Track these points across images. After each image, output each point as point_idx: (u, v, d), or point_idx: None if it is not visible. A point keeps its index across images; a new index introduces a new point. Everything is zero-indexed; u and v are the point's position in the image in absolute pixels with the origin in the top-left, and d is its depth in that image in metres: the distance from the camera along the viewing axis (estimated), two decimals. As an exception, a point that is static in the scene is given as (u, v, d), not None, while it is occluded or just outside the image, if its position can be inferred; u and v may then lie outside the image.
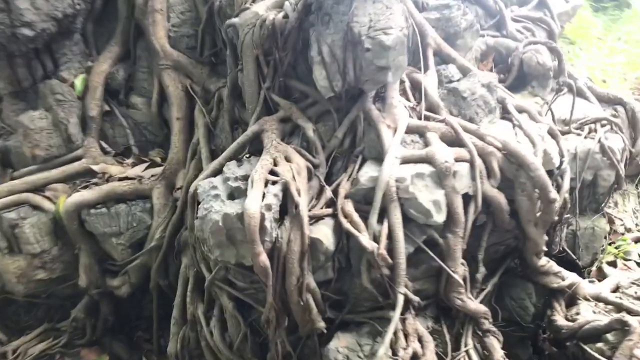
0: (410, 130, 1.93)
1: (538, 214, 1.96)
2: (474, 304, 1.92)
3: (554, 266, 2.14)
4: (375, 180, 1.81)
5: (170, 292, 2.29)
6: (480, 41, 2.49)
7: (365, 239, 1.74)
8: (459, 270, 1.87)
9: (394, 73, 1.81)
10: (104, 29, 2.63)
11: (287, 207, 1.76)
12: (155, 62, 2.41)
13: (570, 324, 2.06)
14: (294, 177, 1.78)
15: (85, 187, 2.31)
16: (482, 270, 2.02)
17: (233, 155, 1.95)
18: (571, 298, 2.17)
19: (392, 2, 1.83)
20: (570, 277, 2.15)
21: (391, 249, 1.77)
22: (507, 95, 2.23)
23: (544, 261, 2.10)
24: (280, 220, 1.75)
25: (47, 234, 2.30)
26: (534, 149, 1.98)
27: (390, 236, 1.77)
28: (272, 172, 1.79)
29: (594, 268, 2.53)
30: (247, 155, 1.94)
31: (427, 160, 1.86)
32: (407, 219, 1.81)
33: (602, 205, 2.53)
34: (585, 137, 2.41)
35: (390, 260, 1.75)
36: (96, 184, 2.32)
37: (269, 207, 1.70)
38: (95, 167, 2.37)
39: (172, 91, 2.36)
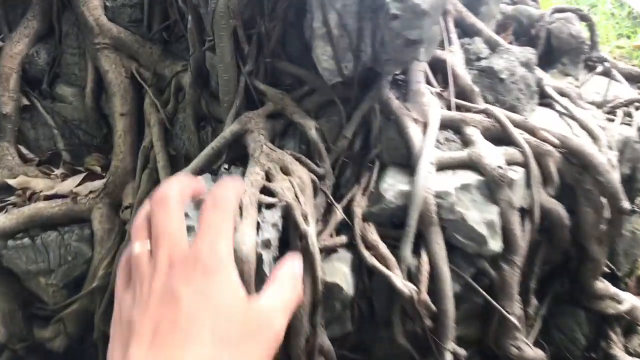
0: (442, 125, 1.45)
1: (602, 228, 1.54)
2: (532, 351, 1.47)
3: (609, 288, 1.72)
4: (407, 196, 1.32)
5: (122, 342, 1.74)
6: (496, 9, 2.04)
7: (399, 280, 1.26)
8: (515, 310, 1.43)
9: (427, 49, 1.32)
10: (16, -1, 2.03)
11: (287, 239, 1.26)
12: (88, 41, 1.82)
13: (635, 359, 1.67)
14: (296, 196, 1.27)
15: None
16: (534, 302, 1.57)
17: (205, 165, 1.42)
18: (629, 325, 1.77)
19: (422, -50, 1.33)
20: (628, 300, 1.74)
21: (433, 291, 1.30)
22: (544, 75, 1.78)
23: (602, 284, 1.68)
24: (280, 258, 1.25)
25: (-51, 273, 1.71)
26: (597, 145, 1.54)
27: (432, 273, 1.30)
28: (266, 191, 1.27)
29: (633, 278, 2.15)
30: (226, 167, 1.41)
31: (471, 165, 1.39)
32: (450, 247, 1.34)
33: (641, 203, 2.14)
34: (621, 124, 2.01)
35: (434, 308, 1.28)
36: (14, 205, 1.73)
37: (266, 244, 1.18)
38: (12, 182, 1.77)
39: (112, 78, 1.78)
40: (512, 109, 1.58)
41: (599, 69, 2.01)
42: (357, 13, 1.29)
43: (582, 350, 1.75)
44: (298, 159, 1.37)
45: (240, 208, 1.19)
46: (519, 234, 1.37)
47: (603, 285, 1.67)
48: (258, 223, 1.19)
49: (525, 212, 1.44)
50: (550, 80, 1.77)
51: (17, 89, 1.87)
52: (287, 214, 1.24)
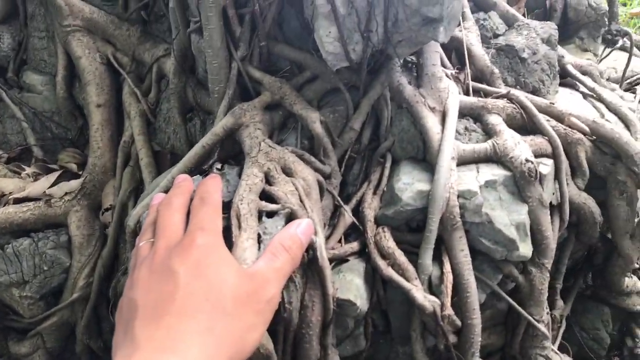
0: (461, 113, 1.29)
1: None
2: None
3: (637, 283, 1.59)
4: (425, 197, 1.17)
5: (106, 356, 1.58)
6: (506, -21, 1.86)
7: (419, 294, 1.12)
8: (544, 316, 1.29)
9: (447, 28, 1.14)
10: (-26, -24, 1.81)
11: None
12: (57, 23, 1.62)
13: (664, 359, 1.55)
14: (301, 200, 1.11)
15: (-36, 215, 1.54)
16: (560, 305, 1.44)
17: (194, 164, 1.24)
18: (657, 321, 1.65)
19: None
20: (657, 295, 1.62)
21: (457, 303, 1.16)
22: (564, 52, 1.62)
23: (630, 280, 1.55)
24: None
25: None
26: (629, 130, 1.40)
27: (455, 283, 1.16)
28: (266, 196, 1.11)
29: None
30: (218, 166, 1.24)
31: (495, 158, 1.23)
32: (474, 253, 1.20)
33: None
34: (640, 102, 1.86)
35: (459, 323, 1.14)
36: (-19, 209, 1.55)
37: (270, 259, 1.03)
38: (-23, 183, 1.59)
39: (86, 64, 1.58)
40: (535, 91, 1.43)
41: (620, 43, 1.86)
42: (367, -13, 1.12)
43: (607, 349, 1.63)
44: (301, 157, 1.20)
45: (238, 218, 1.03)
46: (550, 234, 1.22)
47: (631, 280, 1.55)
48: (259, 235, 1.03)
49: (553, 209, 1.29)
50: (571, 57, 1.62)
51: (-22, 78, 1.67)
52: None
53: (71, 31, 1.60)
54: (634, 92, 1.83)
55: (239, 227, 1.00)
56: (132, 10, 1.62)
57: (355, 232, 1.26)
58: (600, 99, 1.47)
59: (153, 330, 0.69)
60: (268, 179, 1.14)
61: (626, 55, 1.78)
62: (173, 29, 1.38)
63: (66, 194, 1.52)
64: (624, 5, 4.65)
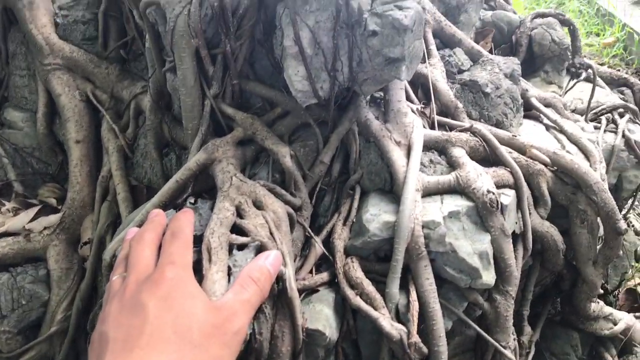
0: (426, 146, 1.34)
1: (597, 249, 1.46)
2: (529, 385, 1.38)
3: (604, 308, 1.64)
4: (392, 228, 1.21)
5: (86, 389, 1.60)
6: (473, 16, 1.94)
7: (386, 322, 1.15)
8: (510, 342, 1.33)
9: (409, 66, 1.20)
10: (-42, 16, 1.86)
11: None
12: (38, 61, 1.67)
13: (633, 382, 1.59)
14: (271, 233, 1.15)
15: (-57, 250, 1.56)
16: (527, 330, 1.48)
17: (168, 198, 1.28)
18: (625, 345, 1.69)
19: (400, -41, 1.22)
20: (624, 319, 1.66)
21: (424, 330, 1.19)
22: (528, 86, 1.69)
23: (596, 304, 1.60)
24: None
25: None
26: (589, 161, 1.46)
27: (422, 311, 1.19)
28: (237, 229, 1.15)
29: (621, 291, 2.08)
30: (191, 201, 1.28)
31: (459, 189, 1.28)
32: (440, 281, 1.24)
33: (626, 212, 2.07)
34: (605, 131, 1.93)
35: (425, 350, 1.17)
36: (-40, 244, 1.57)
37: (240, 291, 1.06)
38: (-43, 218, 1.61)
39: (65, 102, 1.62)
40: (499, 124, 1.49)
41: (583, 75, 1.93)
42: (332, 30, 1.18)
43: (577, 374, 1.67)
44: (272, 190, 1.25)
45: (209, 251, 1.06)
46: (513, 262, 1.27)
47: (597, 305, 1.59)
48: (229, 267, 1.06)
49: (517, 238, 1.34)
50: (535, 91, 1.68)
51: (-40, 115, 1.70)
52: (262, 254, 1.12)
53: (51, 69, 1.65)
54: (600, 122, 1.91)
55: (210, 260, 1.04)
56: (112, 49, 1.67)
57: (326, 262, 1.29)
58: (561, 131, 1.53)
59: None
60: (239, 212, 1.18)
61: (589, 85, 1.86)
62: (149, 67, 1.44)
63: (45, 228, 1.55)
64: (597, 35, 4.79)
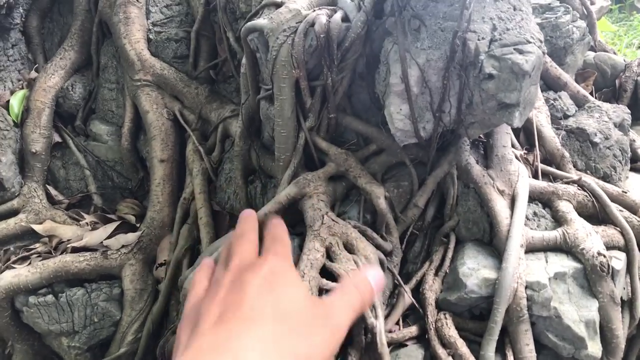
0: (530, 197, 1.25)
1: None
2: None
3: None
4: (492, 285, 1.12)
5: (148, 412, 1.56)
6: (573, 56, 1.83)
7: (481, 388, 1.06)
8: (611, 420, 1.21)
9: (522, 112, 1.12)
10: (55, 26, 1.88)
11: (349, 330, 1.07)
12: (128, 76, 1.67)
13: None
14: (362, 280, 1.08)
15: (23, 259, 1.56)
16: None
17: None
18: None
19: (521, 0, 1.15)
20: None
21: (519, 400, 1.10)
22: (635, 136, 1.58)
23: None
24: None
25: (-36, 326, 1.55)
26: None
27: (519, 379, 1.10)
28: (326, 272, 1.09)
29: None
30: (279, 235, 1.22)
31: (565, 247, 1.19)
32: (539, 346, 1.14)
33: None
34: None
35: (522, 422, 1.08)
36: (39, 255, 1.57)
37: (329, 341, 1.00)
38: (37, 227, 1.62)
39: (153, 119, 1.61)
40: (606, 178, 1.39)
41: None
42: (443, 69, 1.11)
43: None
44: (363, 233, 1.18)
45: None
46: (621, 333, 1.16)
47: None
48: (319, 314, 1.00)
49: (623, 304, 1.23)
50: (641, 141, 1.57)
51: (49, 125, 1.71)
52: (352, 303, 1.05)
53: (141, 85, 1.64)
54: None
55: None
56: (202, 69, 1.65)
57: (413, 313, 1.22)
58: (674, 189, 1.41)
59: (216, 330, 0.67)
60: (329, 254, 1.12)
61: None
62: (243, 93, 1.40)
63: (123, 246, 1.54)
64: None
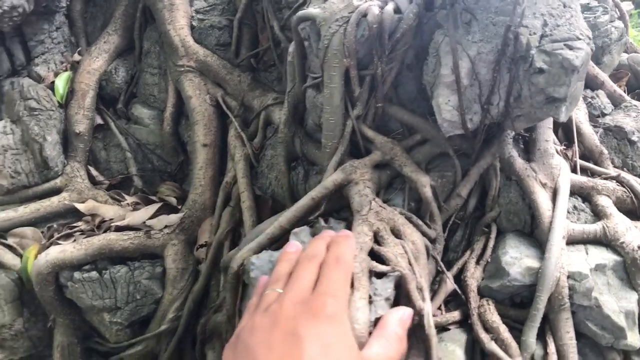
0: (570, 191, 1.28)
1: None
2: None
3: None
4: (535, 274, 1.16)
5: (183, 389, 1.61)
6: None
7: (522, 371, 1.10)
8: (642, 408, 1.25)
9: (568, 107, 1.15)
10: (98, 10, 1.93)
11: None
12: (171, 62, 1.71)
13: None
14: (410, 264, 1.12)
15: (66, 236, 1.61)
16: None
17: (303, 215, 1.27)
18: None
19: (571, -4, 1.18)
20: None
21: (558, 385, 1.13)
22: (668, 136, 1.60)
23: None
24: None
25: (9, 300, 1.59)
26: None
27: (558, 365, 1.14)
28: (375, 256, 1.12)
29: None
30: (323, 221, 1.26)
31: (604, 241, 1.22)
32: (578, 335, 1.18)
33: None
34: None
35: (561, 406, 1.11)
36: (82, 232, 1.61)
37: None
38: (80, 206, 1.66)
39: (196, 104, 1.65)
40: (642, 175, 1.41)
41: None
42: (494, 62, 1.14)
43: None
44: (410, 219, 1.22)
45: (352, 276, 1.04)
46: (657, 325, 1.19)
47: None
48: (370, 296, 1.04)
49: (659, 298, 1.26)
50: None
51: (92, 107, 1.76)
52: (400, 286, 1.09)
53: (184, 71, 1.68)
54: None
55: (352, 285, 1.02)
56: (244, 57, 1.69)
57: (454, 299, 1.25)
58: None
59: None
60: (377, 239, 1.16)
61: None
62: (288, 81, 1.43)
63: (165, 226, 1.58)
64: None
